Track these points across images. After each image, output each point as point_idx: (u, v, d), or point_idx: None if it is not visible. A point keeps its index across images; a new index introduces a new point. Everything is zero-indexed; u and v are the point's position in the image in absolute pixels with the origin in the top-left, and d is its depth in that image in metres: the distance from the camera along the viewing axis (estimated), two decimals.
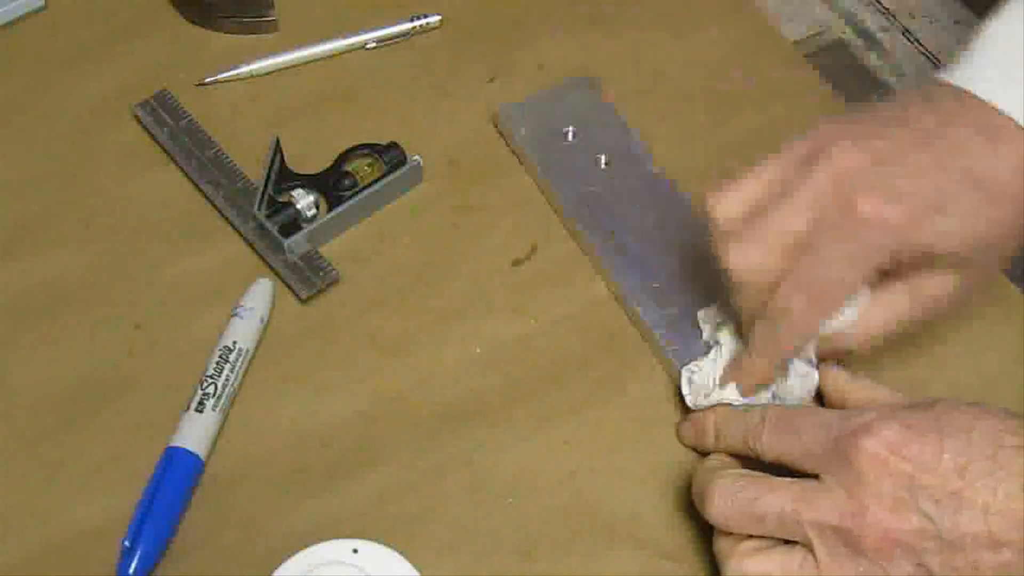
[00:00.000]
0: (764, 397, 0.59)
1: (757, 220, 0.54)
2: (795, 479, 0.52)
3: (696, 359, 0.61)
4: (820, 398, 0.60)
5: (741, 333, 0.59)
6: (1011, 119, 0.52)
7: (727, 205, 0.55)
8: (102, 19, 0.75)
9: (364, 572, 0.52)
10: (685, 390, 0.60)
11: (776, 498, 0.52)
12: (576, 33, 0.75)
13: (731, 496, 0.53)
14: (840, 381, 0.59)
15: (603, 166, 0.69)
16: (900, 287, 0.55)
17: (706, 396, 0.59)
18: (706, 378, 0.60)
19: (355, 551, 0.52)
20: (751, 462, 0.56)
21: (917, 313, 0.56)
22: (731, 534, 0.54)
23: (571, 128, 0.70)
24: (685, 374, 0.60)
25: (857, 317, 0.56)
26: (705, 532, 0.57)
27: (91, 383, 0.63)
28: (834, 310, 0.55)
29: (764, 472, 0.54)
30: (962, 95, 0.54)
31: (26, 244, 0.67)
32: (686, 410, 0.61)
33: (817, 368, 0.59)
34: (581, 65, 0.73)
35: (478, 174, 0.70)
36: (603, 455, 0.61)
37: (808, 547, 0.51)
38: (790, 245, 0.53)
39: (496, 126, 0.71)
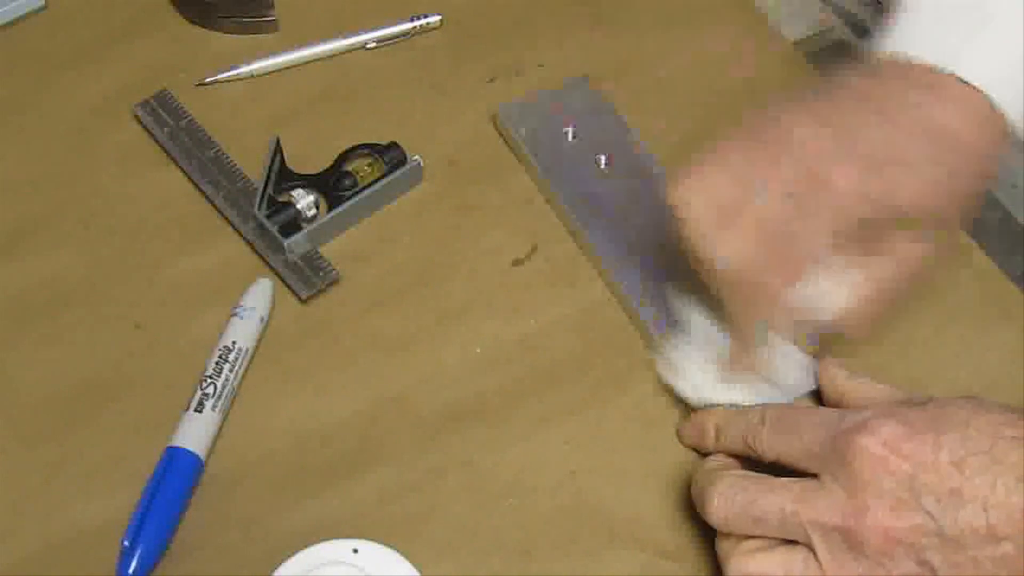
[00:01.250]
0: (761, 389, 0.60)
1: (734, 214, 0.55)
2: (795, 479, 0.52)
3: (668, 347, 0.62)
4: (819, 397, 0.60)
5: (717, 319, 0.60)
6: (951, 75, 0.55)
7: (697, 201, 0.56)
8: (102, 19, 0.75)
9: (364, 572, 0.52)
10: (675, 382, 0.61)
11: (776, 498, 0.52)
12: (576, 33, 0.75)
13: (731, 497, 0.53)
14: (839, 380, 0.59)
15: (603, 166, 0.69)
16: (878, 259, 0.57)
17: (696, 389, 0.60)
18: (693, 368, 0.61)
19: (355, 551, 0.52)
20: (751, 463, 0.56)
21: (898, 278, 0.58)
22: (732, 534, 0.54)
23: (571, 128, 0.70)
24: (666, 367, 0.61)
25: (848, 298, 0.57)
26: (705, 532, 0.57)
27: (91, 383, 0.63)
28: (806, 279, 0.56)
29: (765, 473, 0.54)
30: (901, 61, 0.56)
31: (26, 244, 0.67)
32: (686, 410, 0.61)
33: (814, 359, 0.60)
34: (581, 65, 0.73)
35: (478, 174, 0.70)
36: (603, 455, 0.61)
37: (809, 547, 0.51)
38: (769, 231, 0.55)
39: (496, 126, 0.71)
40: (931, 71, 0.55)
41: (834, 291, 0.57)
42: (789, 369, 0.60)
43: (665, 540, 0.58)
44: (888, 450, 0.50)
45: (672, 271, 0.62)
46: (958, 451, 0.49)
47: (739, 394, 0.60)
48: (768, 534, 0.52)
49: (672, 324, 0.62)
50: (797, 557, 0.51)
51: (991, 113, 0.55)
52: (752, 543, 0.53)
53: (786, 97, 0.57)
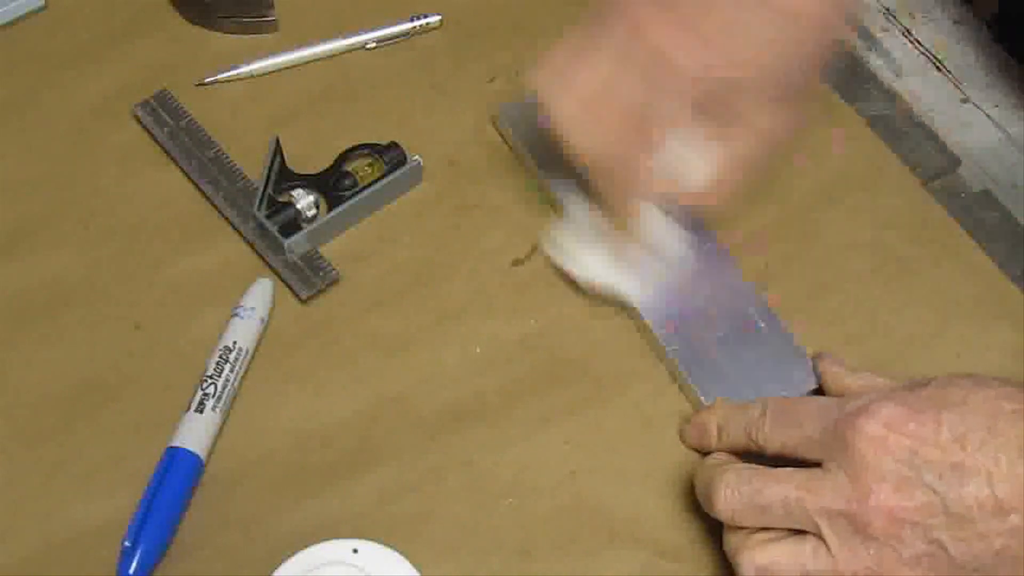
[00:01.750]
0: (645, 263, 0.63)
1: (596, 105, 0.58)
2: (799, 469, 0.52)
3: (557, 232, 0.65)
4: (821, 394, 0.60)
5: (597, 201, 0.63)
6: None
7: (562, 98, 0.59)
8: (102, 19, 0.75)
9: (364, 572, 0.52)
10: (565, 264, 0.64)
11: (781, 488, 0.52)
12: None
13: (736, 489, 0.53)
14: (840, 377, 0.59)
15: None
16: (735, 131, 0.59)
17: (576, 260, 0.64)
18: (571, 241, 0.64)
19: (355, 551, 0.52)
20: (753, 459, 0.55)
21: (755, 149, 0.60)
22: (740, 529, 0.54)
23: None
24: (556, 250, 0.65)
25: (710, 169, 0.60)
26: (705, 531, 0.57)
27: (91, 383, 0.63)
28: (665, 150, 0.59)
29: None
30: None
31: (26, 244, 0.67)
32: (687, 410, 0.61)
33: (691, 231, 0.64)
34: None
35: (478, 174, 0.70)
36: (603, 455, 0.61)
37: (819, 536, 0.51)
38: (626, 114, 0.58)
39: (496, 126, 0.71)
40: None
41: (696, 164, 0.60)
42: (669, 241, 0.63)
43: (665, 540, 0.58)
44: (889, 430, 0.50)
45: (553, 160, 0.64)
46: (959, 427, 0.49)
47: (625, 271, 0.63)
48: (775, 524, 0.52)
49: (561, 211, 0.65)
50: (807, 547, 0.51)
51: None
52: (762, 535, 0.53)
53: None
